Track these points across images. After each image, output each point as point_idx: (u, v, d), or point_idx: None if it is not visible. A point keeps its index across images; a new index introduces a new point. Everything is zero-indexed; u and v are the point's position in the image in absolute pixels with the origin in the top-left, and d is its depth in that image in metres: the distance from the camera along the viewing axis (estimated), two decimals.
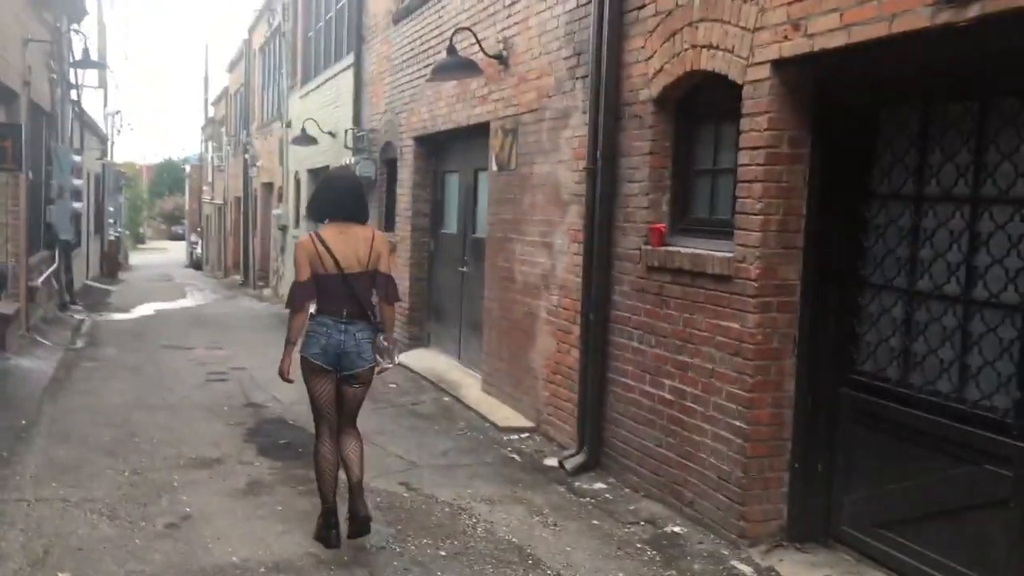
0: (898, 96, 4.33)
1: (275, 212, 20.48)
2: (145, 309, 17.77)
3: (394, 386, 9.12)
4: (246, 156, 25.31)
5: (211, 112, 40.44)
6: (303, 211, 17.96)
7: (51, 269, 14.23)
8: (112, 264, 27.91)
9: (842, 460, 4.63)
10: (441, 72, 7.72)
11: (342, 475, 4.90)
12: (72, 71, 16.27)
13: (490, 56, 7.80)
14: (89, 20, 17.72)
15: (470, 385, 8.58)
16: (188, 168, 58.35)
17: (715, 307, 4.97)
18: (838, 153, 4.58)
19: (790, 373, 4.73)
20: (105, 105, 29.28)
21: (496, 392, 8.03)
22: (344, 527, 4.79)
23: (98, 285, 23.00)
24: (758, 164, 4.62)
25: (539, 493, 5.78)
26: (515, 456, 6.66)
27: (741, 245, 4.74)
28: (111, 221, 28.43)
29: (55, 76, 14.11)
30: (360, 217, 4.87)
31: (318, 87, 16.07)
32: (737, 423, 4.76)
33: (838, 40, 4.06)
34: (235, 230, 29.73)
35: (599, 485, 5.93)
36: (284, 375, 4.97)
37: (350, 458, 4.86)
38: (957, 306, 4.03)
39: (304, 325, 4.83)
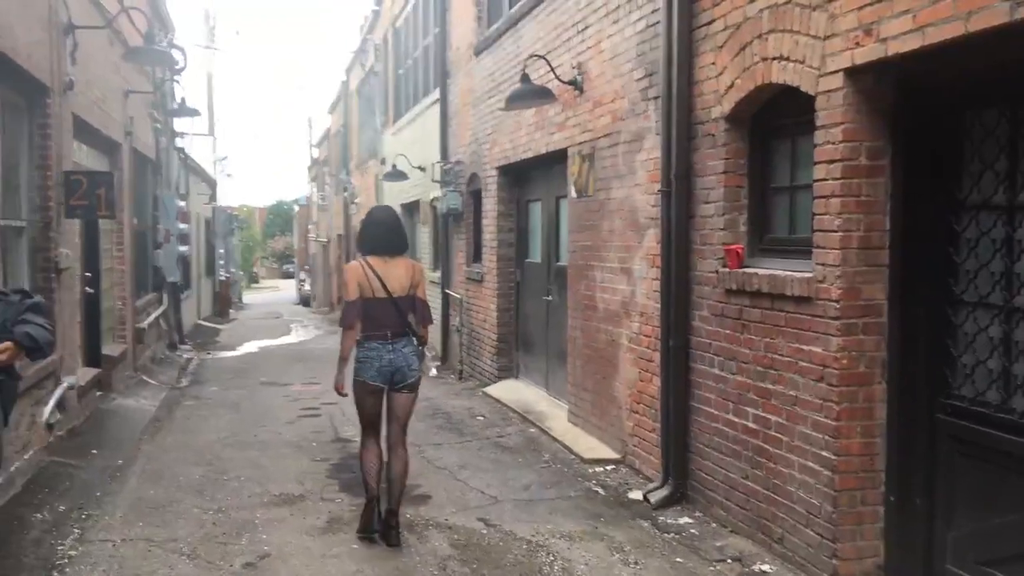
0: (983, 99, 4.01)
1: None
2: (250, 347, 18.23)
3: (481, 419, 9.05)
4: (345, 194, 25.84)
5: (315, 153, 41.64)
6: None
7: (159, 311, 14.73)
8: (223, 303, 28.79)
9: (943, 493, 4.28)
10: (516, 100, 7.65)
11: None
12: (176, 122, 16.98)
13: (565, 82, 7.70)
14: (197, 71, 18.39)
15: (557, 416, 8.42)
16: (297, 208, 60.14)
17: (796, 330, 4.70)
18: (921, 163, 4.29)
19: (880, 399, 4.42)
20: (214, 151, 30.60)
21: (582, 423, 7.85)
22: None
23: (209, 324, 23.76)
24: (835, 178, 4.36)
25: (621, 528, 5.57)
26: (599, 489, 6.45)
27: (821, 264, 4.48)
28: (221, 262, 29.38)
29: (159, 125, 14.67)
30: (401, 249, 5.51)
31: (408, 123, 16.27)
32: (824, 454, 4.47)
33: (912, 43, 3.80)
34: (337, 267, 30.34)
35: (685, 519, 5.68)
36: (339, 390, 5.52)
37: (396, 474, 5.41)
38: None
39: (353, 345, 5.35)
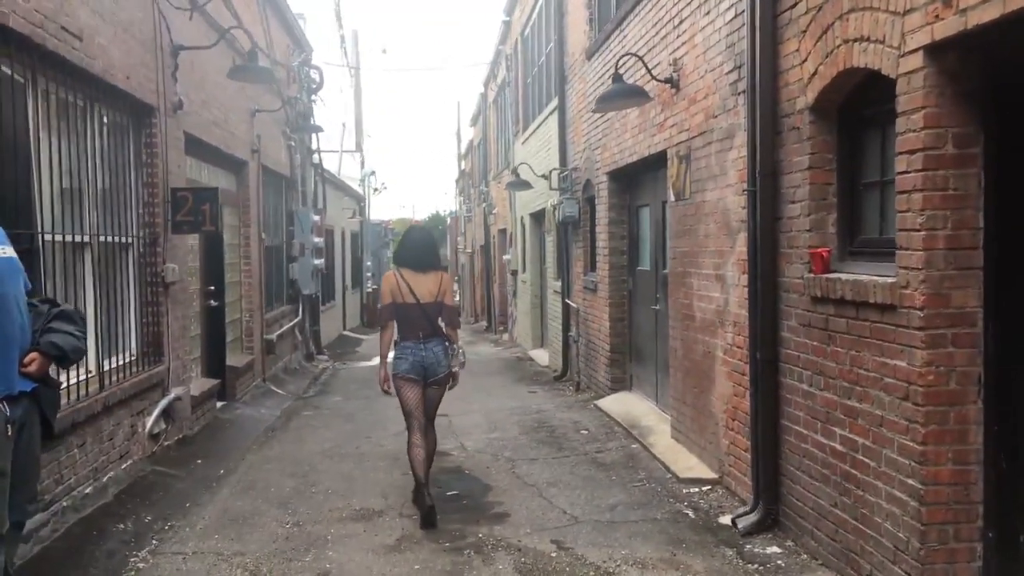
0: None
1: (505, 257, 20.77)
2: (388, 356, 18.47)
3: (585, 433, 8.74)
4: (484, 204, 26.01)
5: (462, 165, 42.25)
6: (526, 255, 18.12)
7: (293, 322, 15.14)
8: (372, 314, 29.48)
9: None
10: (606, 102, 7.34)
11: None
12: (314, 139, 17.48)
13: (660, 80, 7.33)
14: (344, 90, 18.92)
15: (661, 432, 8.01)
16: (449, 220, 61.28)
17: (881, 342, 4.20)
18: (1020, 150, 3.73)
19: (976, 421, 3.87)
20: (362, 166, 31.50)
21: (684, 439, 7.42)
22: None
23: (354, 335, 24.38)
24: (916, 170, 3.86)
25: (702, 556, 5.16)
26: (689, 512, 6.04)
27: (904, 268, 3.98)
28: (370, 275, 30.16)
29: (292, 143, 15.11)
30: (429, 265, 6.33)
31: (534, 132, 16.15)
32: (911, 482, 3.96)
33: (993, 12, 3.30)
34: (481, 277, 30.59)
35: (773, 549, 5.21)
36: (383, 384, 6.33)
37: (428, 452, 6.22)
38: None
39: (391, 340, 6.29)
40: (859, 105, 4.72)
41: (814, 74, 4.81)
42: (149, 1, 7.47)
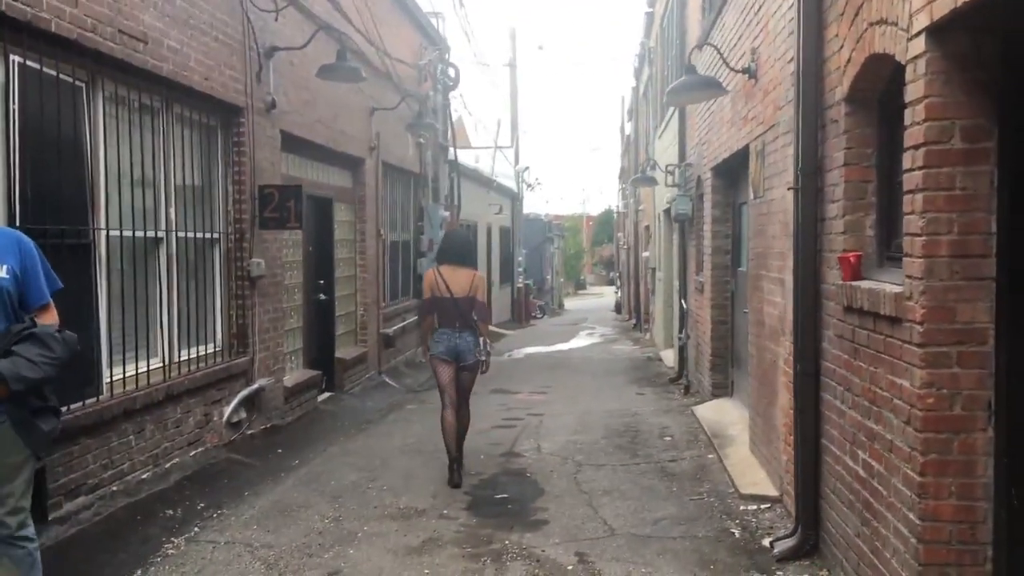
0: None
1: (644, 254, 20.38)
2: (518, 353, 18.54)
3: (668, 439, 8.43)
4: (632, 200, 25.63)
5: (624, 161, 41.84)
6: (660, 253, 17.68)
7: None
8: (520, 309, 29.68)
9: None
10: (676, 94, 7.01)
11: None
12: (448, 135, 17.72)
13: (737, 71, 6.94)
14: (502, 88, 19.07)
15: (742, 443, 7.60)
16: (616, 216, 60.96)
17: (892, 359, 3.79)
18: None
19: (984, 452, 3.42)
20: (516, 162, 31.72)
21: (757, 452, 7.01)
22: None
23: (498, 330, 24.54)
24: (919, 167, 3.44)
25: None
26: (736, 531, 5.68)
27: (909, 277, 3.56)
28: (520, 270, 30.34)
29: (423, 141, 15.37)
30: (468, 262, 7.31)
31: (666, 126, 15.73)
32: (911, 516, 3.55)
33: None
34: (632, 274, 30.18)
35: None
36: (425, 358, 7.38)
37: (461, 427, 7.14)
38: None
39: (431, 329, 7.21)
40: (899, 95, 4.27)
41: (848, 61, 4.41)
42: (237, 3, 7.72)
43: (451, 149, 17.67)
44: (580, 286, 77.42)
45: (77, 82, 5.55)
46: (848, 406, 4.43)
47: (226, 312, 7.86)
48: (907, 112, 3.56)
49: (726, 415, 8.84)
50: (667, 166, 12.55)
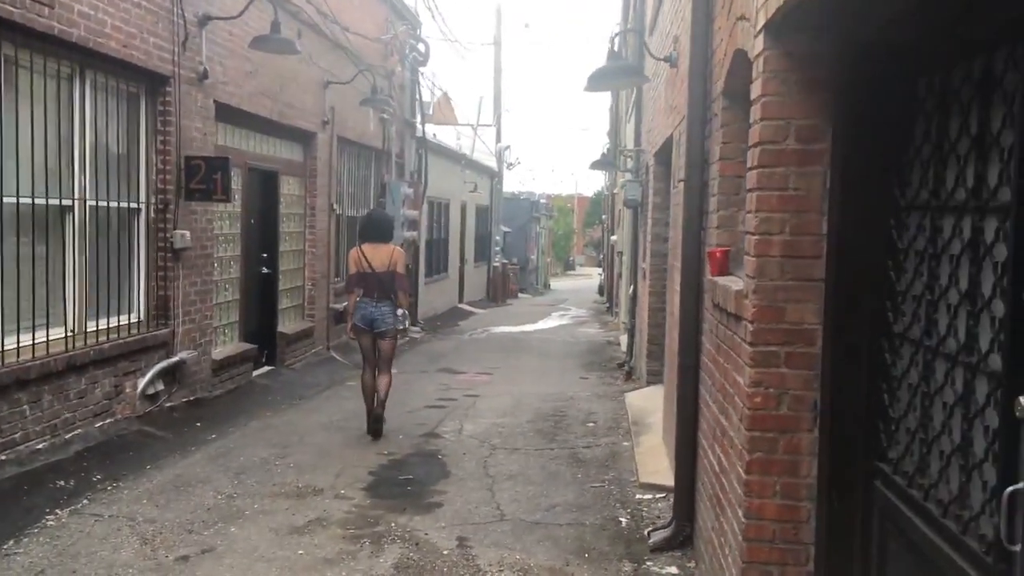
0: (944, 57, 2.89)
1: (612, 238, 20.35)
2: (483, 333, 18.52)
3: (591, 425, 8.46)
4: (612, 183, 25.57)
5: (610, 142, 41.70)
6: (625, 238, 17.64)
7: None
8: (497, 289, 29.62)
9: None
10: (597, 80, 6.91)
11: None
12: (416, 111, 17.62)
13: (659, 59, 6.88)
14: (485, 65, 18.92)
15: (657, 431, 7.61)
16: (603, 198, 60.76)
17: (735, 355, 3.78)
18: (871, 148, 3.22)
19: (810, 452, 3.41)
20: (497, 140, 31.59)
21: (668, 441, 7.00)
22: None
23: (469, 308, 24.52)
24: (755, 166, 3.41)
25: (593, 571, 4.84)
26: (624, 520, 5.70)
27: (747, 275, 3.54)
28: (497, 249, 30.29)
29: (386, 116, 15.27)
30: (386, 239, 7.98)
31: (631, 111, 15.64)
32: (739, 513, 3.55)
33: None
34: (609, 257, 30.15)
35: (671, 570, 4.83)
36: (348, 332, 8.17)
37: (380, 387, 7.88)
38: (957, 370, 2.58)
39: (356, 301, 7.86)
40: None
41: (724, 54, 4.37)
42: None
43: (418, 125, 17.60)
44: (569, 267, 77.36)
45: None
46: (712, 400, 4.43)
47: (147, 283, 7.82)
48: (751, 110, 3.52)
49: (653, 402, 8.84)
50: (624, 150, 12.49)
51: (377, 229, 7.99)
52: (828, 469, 3.35)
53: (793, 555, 3.44)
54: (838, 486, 3.33)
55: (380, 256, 7.76)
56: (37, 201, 6.20)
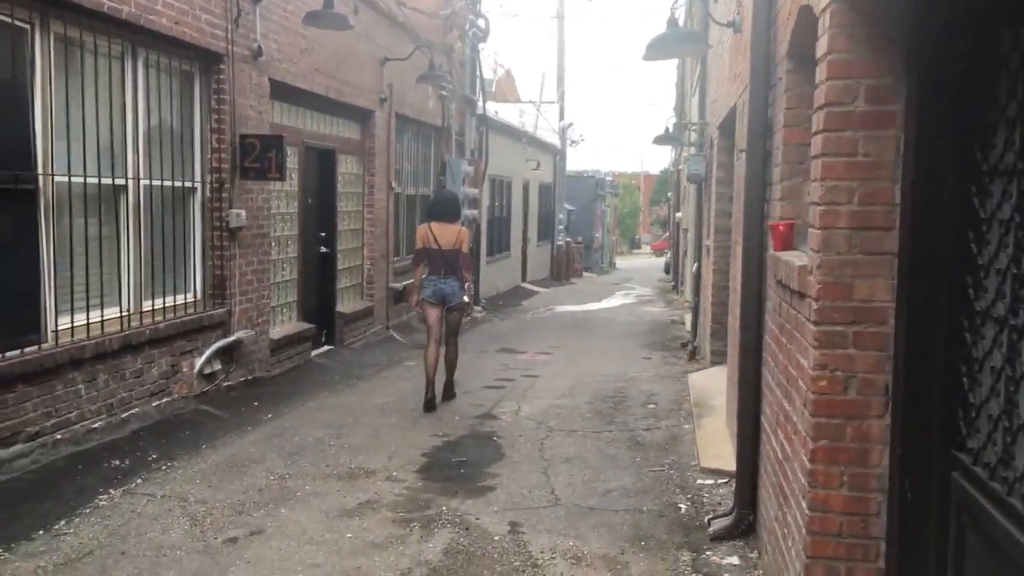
0: None
1: (677, 215, 19.95)
2: (545, 312, 18.34)
3: (651, 407, 8.23)
4: (677, 158, 25.09)
5: (677, 117, 40.99)
6: (709, 212, 17.25)
7: None
8: (560, 267, 29.36)
9: None
10: (655, 49, 6.64)
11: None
12: (477, 88, 17.42)
13: (721, 24, 6.58)
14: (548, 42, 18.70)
15: (721, 413, 7.35)
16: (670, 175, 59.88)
17: (799, 336, 3.53)
18: (948, 108, 2.94)
19: (880, 440, 3.15)
20: (561, 118, 31.25)
21: (731, 424, 6.74)
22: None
23: (532, 287, 24.35)
24: (820, 130, 3.15)
25: (650, 559, 4.64)
26: (683, 506, 5.48)
27: (811, 249, 3.29)
28: (561, 228, 30.00)
29: (446, 93, 15.10)
30: (452, 218, 8.34)
31: (697, 84, 15.23)
32: (803, 504, 3.31)
33: None
34: (675, 234, 29.67)
35: (733, 560, 4.60)
36: (414, 306, 8.58)
37: (448, 356, 8.35)
38: None
39: (421, 278, 8.25)
40: None
41: (789, 12, 4.08)
42: None
43: (479, 102, 17.40)
44: (635, 245, 76.65)
45: (18, 23, 5.45)
46: (775, 383, 4.19)
47: (203, 263, 7.80)
48: (816, 70, 3.26)
49: (716, 383, 8.57)
50: (689, 124, 12.14)
51: (445, 208, 8.35)
52: (901, 459, 3.09)
53: (862, 550, 3.20)
54: (912, 477, 3.07)
55: (447, 234, 8.09)
56: (90, 180, 6.17)
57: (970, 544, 2.80)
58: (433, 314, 8.13)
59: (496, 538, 4.91)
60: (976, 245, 2.76)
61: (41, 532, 4.80)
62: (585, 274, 33.68)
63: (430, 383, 7.98)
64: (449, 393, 8.35)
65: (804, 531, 3.26)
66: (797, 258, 3.64)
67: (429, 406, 7.88)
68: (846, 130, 3.08)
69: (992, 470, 2.60)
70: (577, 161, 41.01)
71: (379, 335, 12.27)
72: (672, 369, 10.41)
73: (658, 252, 58.18)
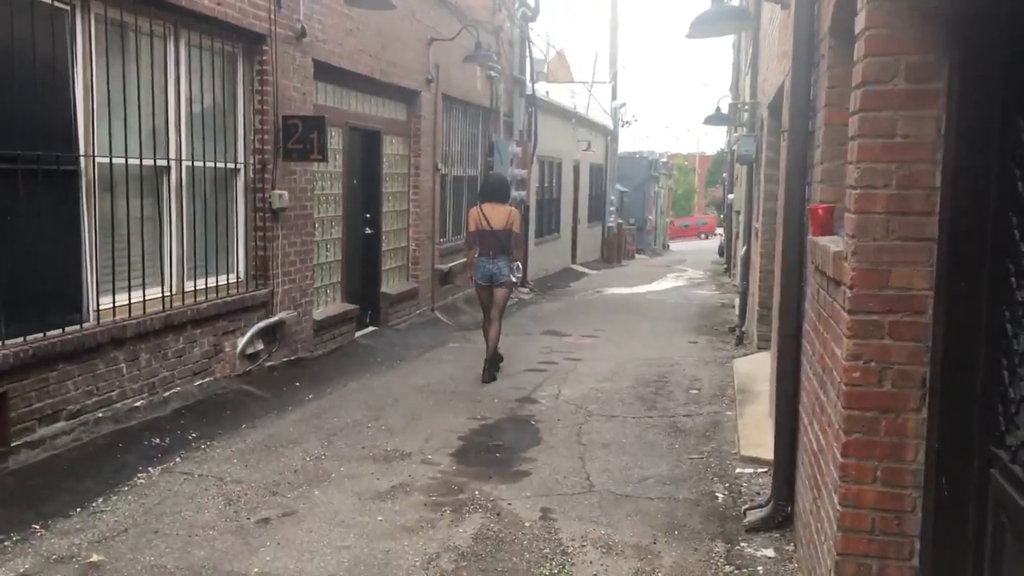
0: None
1: (730, 196, 19.63)
2: (592, 294, 18.22)
3: (694, 392, 8.10)
4: (732, 139, 24.68)
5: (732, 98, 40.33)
6: (758, 194, 16.96)
7: None
8: (611, 250, 29.14)
9: None
10: (701, 25, 6.47)
11: None
12: (527, 68, 17.27)
13: (771, 0, 6.38)
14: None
15: (766, 400, 7.20)
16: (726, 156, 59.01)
17: (835, 324, 3.40)
18: (994, 87, 2.78)
19: (916, 435, 3.03)
20: (613, 98, 30.93)
21: (774, 411, 6.60)
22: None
23: (582, 269, 24.19)
24: (857, 110, 3.01)
25: (682, 549, 4.55)
26: (720, 495, 5.37)
27: (847, 235, 3.16)
28: (612, 209, 29.75)
29: (494, 74, 15.00)
30: (504, 200, 8.78)
31: (749, 63, 14.91)
32: (835, 498, 3.20)
33: None
34: (728, 216, 29.23)
35: (768, 552, 4.50)
36: (468, 280, 9.23)
37: (493, 335, 8.66)
38: None
39: (475, 258, 8.63)
40: None
41: None
42: None
43: (528, 82, 17.27)
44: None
45: (58, 4, 5.49)
46: (812, 373, 4.06)
47: (246, 243, 7.84)
48: (855, 47, 3.11)
49: (761, 369, 8.40)
50: (740, 104, 11.90)
51: (496, 190, 8.78)
52: (937, 454, 2.96)
53: (895, 548, 3.08)
54: (949, 474, 2.94)
55: (498, 216, 8.45)
56: (132, 161, 6.21)
57: (1008, 546, 2.67)
58: (484, 295, 8.64)
59: (527, 524, 4.86)
60: (1020, 232, 2.62)
61: (79, 509, 4.87)
62: (637, 256, 33.42)
63: (488, 357, 8.54)
64: (496, 363, 8.73)
65: (835, 526, 3.15)
66: (834, 244, 3.51)
67: (484, 379, 8.39)
68: (883, 110, 2.94)
69: (1017, 457, 2.48)
70: (631, 143, 40.62)
71: (424, 316, 12.27)
72: (718, 354, 10.25)
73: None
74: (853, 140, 3.05)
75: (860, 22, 3.00)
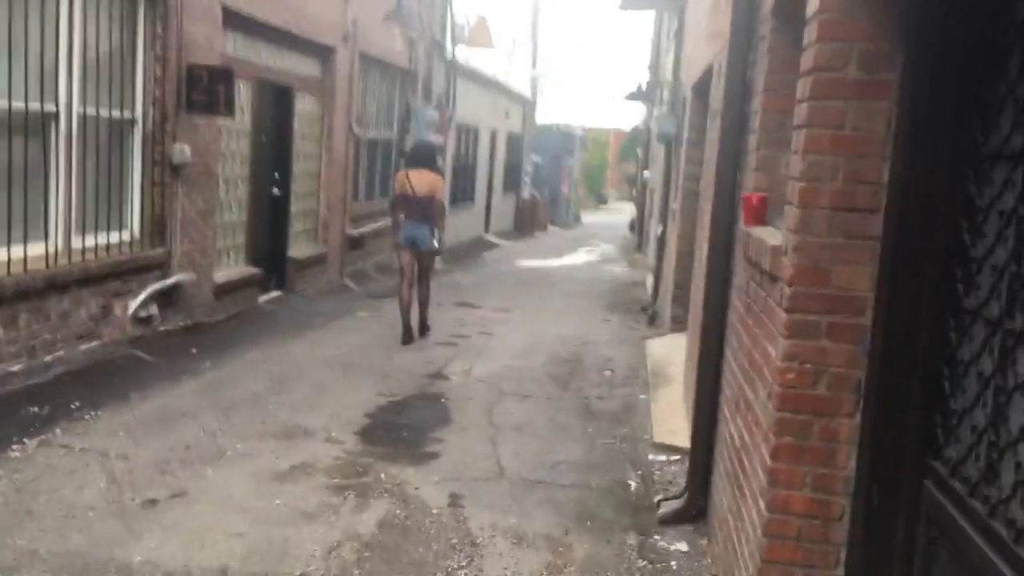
0: None
1: (645, 174, 19.67)
2: (505, 266, 18.00)
3: (608, 374, 7.99)
4: (648, 117, 24.71)
5: (650, 75, 40.49)
6: (677, 175, 16.99)
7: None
8: (525, 220, 28.95)
9: None
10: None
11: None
12: (447, 31, 16.87)
13: None
14: None
15: (678, 385, 7.13)
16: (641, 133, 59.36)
17: (768, 321, 3.26)
18: (949, 81, 2.63)
19: (849, 440, 2.90)
20: (533, 67, 30.65)
21: (688, 397, 6.52)
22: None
23: (495, 239, 23.94)
24: (806, 98, 2.84)
25: (595, 541, 4.40)
26: (633, 483, 5.25)
27: (787, 229, 3.00)
28: (526, 180, 29.56)
29: (414, 35, 14.57)
30: (429, 165, 8.77)
31: (670, 40, 14.84)
32: (761, 503, 3.06)
33: None
34: (641, 193, 29.39)
35: (680, 546, 4.38)
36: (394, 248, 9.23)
37: (420, 298, 8.93)
38: None
39: (400, 222, 8.67)
40: None
41: None
42: None
43: (448, 47, 16.87)
44: (602, 201, 76.23)
45: None
46: (737, 366, 3.93)
47: (142, 200, 7.36)
48: (806, 30, 2.94)
49: (674, 352, 8.34)
50: (662, 81, 11.79)
51: (421, 156, 8.89)
52: (870, 462, 2.84)
53: (821, 556, 2.97)
54: (880, 482, 2.82)
55: (423, 182, 8.53)
56: (16, 104, 5.71)
57: (940, 559, 2.56)
58: (405, 257, 8.68)
59: (434, 511, 4.64)
60: (970, 236, 2.48)
61: None
62: (550, 228, 33.28)
63: (406, 322, 8.59)
64: (423, 329, 8.94)
65: (760, 532, 3.02)
66: (771, 236, 3.35)
67: (406, 338, 8.55)
68: (834, 99, 2.77)
69: (972, 486, 2.35)
70: (548, 113, 40.40)
71: (333, 283, 11.90)
72: (631, 334, 10.18)
73: None
74: (800, 129, 2.88)
75: (813, 4, 2.82)
